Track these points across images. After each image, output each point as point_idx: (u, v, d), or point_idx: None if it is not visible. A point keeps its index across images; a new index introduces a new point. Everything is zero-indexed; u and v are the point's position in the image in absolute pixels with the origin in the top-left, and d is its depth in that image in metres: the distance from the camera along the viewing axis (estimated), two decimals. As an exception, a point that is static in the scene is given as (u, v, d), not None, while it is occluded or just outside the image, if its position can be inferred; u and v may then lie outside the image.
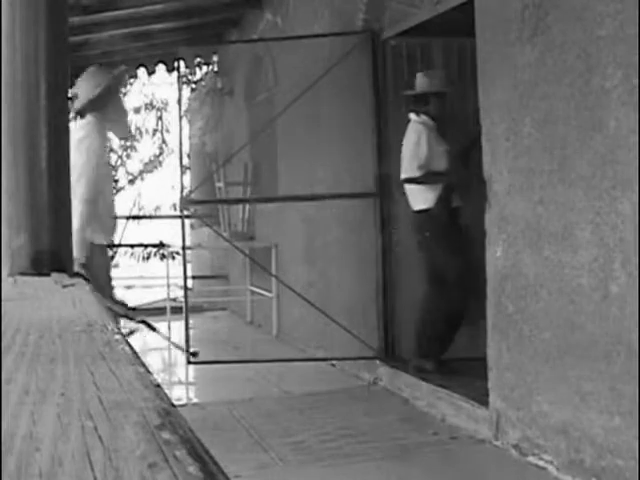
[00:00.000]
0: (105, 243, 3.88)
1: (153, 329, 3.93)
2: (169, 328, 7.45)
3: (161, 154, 12.46)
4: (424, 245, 4.55)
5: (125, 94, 4.06)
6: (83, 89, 3.87)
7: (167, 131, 12.47)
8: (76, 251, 3.54)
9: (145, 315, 8.75)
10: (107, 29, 6.83)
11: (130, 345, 1.03)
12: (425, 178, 4.46)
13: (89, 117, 3.85)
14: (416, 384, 4.48)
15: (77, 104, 3.85)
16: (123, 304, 3.81)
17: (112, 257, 3.90)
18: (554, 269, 3.17)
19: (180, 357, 6.19)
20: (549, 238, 3.20)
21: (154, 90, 12.50)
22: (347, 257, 5.42)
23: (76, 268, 3.55)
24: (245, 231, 7.90)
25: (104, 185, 3.84)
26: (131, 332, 3.92)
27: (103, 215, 3.81)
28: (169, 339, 3.90)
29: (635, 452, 2.72)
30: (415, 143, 4.50)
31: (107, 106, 3.87)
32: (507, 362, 3.51)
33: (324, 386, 4.49)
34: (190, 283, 7.98)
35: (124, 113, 4.05)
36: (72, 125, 3.94)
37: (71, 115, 3.87)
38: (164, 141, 12.44)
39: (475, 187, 3.83)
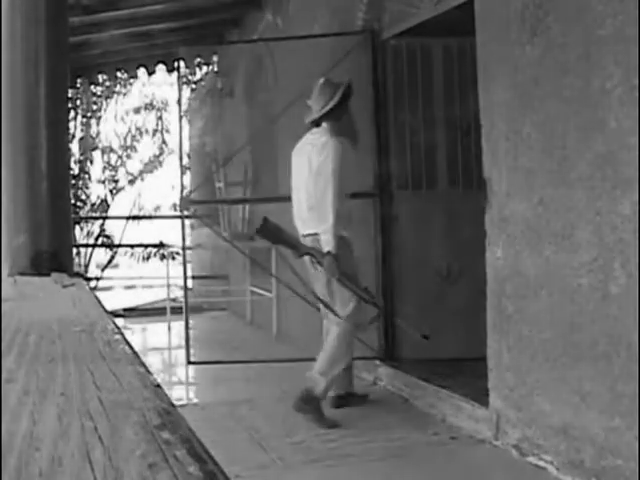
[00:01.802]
0: (348, 236, 4.21)
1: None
2: (169, 328, 7.46)
3: (161, 154, 12.47)
4: None
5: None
6: (316, 102, 4.23)
7: (167, 131, 12.48)
8: (328, 244, 3.98)
9: (145, 315, 8.78)
10: (107, 29, 6.83)
11: (130, 345, 1.03)
12: None
13: (325, 125, 4.21)
14: (416, 384, 4.48)
15: (314, 115, 4.23)
16: (368, 292, 4.17)
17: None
18: (554, 269, 3.17)
19: (180, 357, 6.20)
20: (549, 238, 3.20)
21: (154, 90, 12.52)
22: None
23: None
24: (245, 231, 7.90)
25: (347, 184, 4.15)
26: (372, 320, 4.24)
27: (347, 211, 4.16)
28: (408, 325, 4.09)
29: (635, 452, 2.71)
30: None
31: (341, 116, 4.23)
32: (507, 362, 3.51)
33: (324, 386, 4.49)
34: (190, 283, 7.98)
35: (353, 121, 4.40)
36: (308, 135, 4.27)
37: (306, 123, 4.27)
38: (164, 141, 12.45)
39: None
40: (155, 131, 12.41)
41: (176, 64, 7.70)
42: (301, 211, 4.25)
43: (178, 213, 7.86)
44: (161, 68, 8.28)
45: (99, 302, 1.53)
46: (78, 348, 1.01)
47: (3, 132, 2.08)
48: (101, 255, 12.37)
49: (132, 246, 11.97)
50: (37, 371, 0.86)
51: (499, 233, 3.54)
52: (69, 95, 7.46)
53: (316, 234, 4.11)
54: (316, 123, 4.27)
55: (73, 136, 11.17)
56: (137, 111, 12.36)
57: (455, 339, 4.77)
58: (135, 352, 0.98)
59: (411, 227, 5.03)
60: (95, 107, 11.75)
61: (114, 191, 12.02)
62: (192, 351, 5.86)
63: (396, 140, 5.12)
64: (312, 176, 4.13)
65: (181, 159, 6.14)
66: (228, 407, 4.44)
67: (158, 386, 0.77)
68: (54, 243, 2.08)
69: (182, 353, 5.93)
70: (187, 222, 8.91)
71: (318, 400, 4.03)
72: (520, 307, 3.40)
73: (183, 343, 5.83)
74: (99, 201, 11.87)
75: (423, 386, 4.40)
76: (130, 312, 8.83)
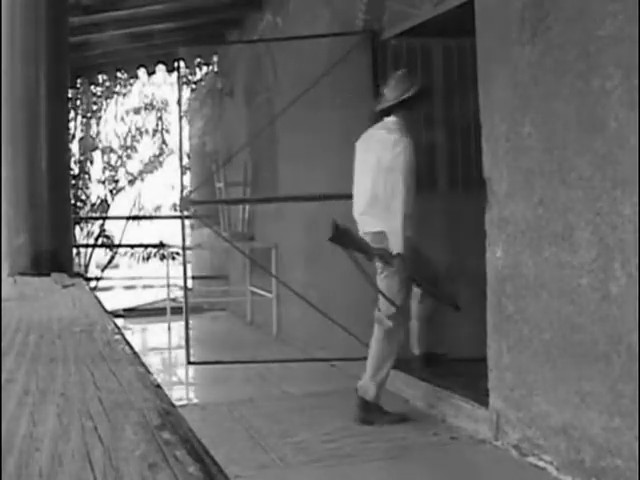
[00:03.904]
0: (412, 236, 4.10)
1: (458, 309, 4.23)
2: (169, 328, 7.46)
3: (161, 154, 12.48)
4: None
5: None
6: (393, 90, 4.15)
7: (167, 131, 12.48)
8: (396, 245, 3.92)
9: (145, 315, 8.78)
10: (107, 29, 6.83)
11: (130, 345, 1.03)
12: None
13: (394, 117, 4.12)
14: (416, 384, 4.48)
15: (385, 104, 4.15)
16: (445, 291, 4.27)
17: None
18: (554, 269, 3.17)
19: (180, 357, 6.20)
20: (549, 238, 3.20)
21: (154, 90, 12.52)
22: (347, 257, 5.40)
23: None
24: (245, 231, 7.90)
25: (413, 181, 4.06)
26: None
27: (414, 211, 4.03)
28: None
29: (635, 452, 2.71)
30: None
31: (412, 108, 4.17)
32: (507, 362, 3.51)
33: (324, 386, 4.49)
34: (190, 283, 7.98)
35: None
36: (373, 130, 4.20)
37: (375, 111, 4.21)
38: (164, 141, 12.45)
39: None
40: (155, 131, 12.41)
41: (176, 64, 7.71)
42: (360, 206, 4.15)
43: (178, 213, 7.87)
44: (161, 68, 8.29)
45: (99, 302, 1.53)
46: (78, 348, 1.01)
47: (3, 132, 2.08)
48: (101, 255, 12.38)
49: (132, 246, 11.97)
50: (37, 371, 0.86)
51: (499, 233, 3.54)
52: (69, 95, 7.46)
53: (380, 232, 4.01)
54: (386, 112, 4.15)
55: (73, 136, 11.16)
56: (137, 111, 12.35)
57: (455, 339, 4.76)
58: (135, 352, 0.98)
59: (411, 227, 5.01)
60: (95, 107, 11.75)
61: (114, 191, 12.02)
62: (192, 351, 5.86)
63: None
64: (381, 173, 3.99)
65: (181, 159, 6.14)
66: (228, 407, 4.44)
67: (158, 386, 0.77)
68: (54, 243, 2.08)
69: (182, 353, 5.93)
70: (187, 222, 8.92)
71: (374, 405, 4.07)
72: (520, 307, 3.40)
73: (183, 343, 5.83)
74: (99, 201, 11.86)
75: (423, 386, 4.40)
76: (130, 312, 8.83)
